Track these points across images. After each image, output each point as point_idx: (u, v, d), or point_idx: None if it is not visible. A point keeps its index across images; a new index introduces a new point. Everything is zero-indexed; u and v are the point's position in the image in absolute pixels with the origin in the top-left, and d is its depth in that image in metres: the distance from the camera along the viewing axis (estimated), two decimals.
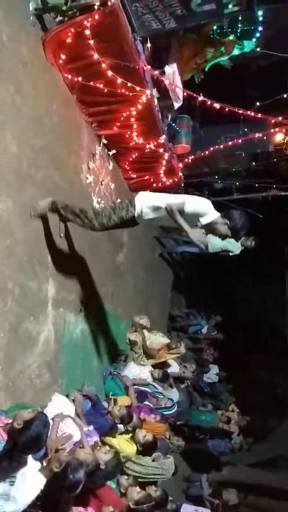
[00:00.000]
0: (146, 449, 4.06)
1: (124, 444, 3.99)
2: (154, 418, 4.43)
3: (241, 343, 9.89)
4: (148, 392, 4.88)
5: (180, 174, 6.17)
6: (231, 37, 4.75)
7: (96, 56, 3.72)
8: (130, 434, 4.11)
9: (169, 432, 5.52)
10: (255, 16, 4.65)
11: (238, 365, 9.41)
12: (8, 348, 2.97)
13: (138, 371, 4.93)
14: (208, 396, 7.97)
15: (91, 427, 3.53)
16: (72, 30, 3.60)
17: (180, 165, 6.00)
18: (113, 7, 3.43)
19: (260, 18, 4.79)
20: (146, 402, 4.71)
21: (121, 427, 4.04)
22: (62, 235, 3.88)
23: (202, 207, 3.26)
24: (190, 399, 7.33)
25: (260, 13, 4.55)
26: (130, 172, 5.90)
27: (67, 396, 3.65)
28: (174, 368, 5.97)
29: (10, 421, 2.37)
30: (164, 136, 5.07)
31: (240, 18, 4.66)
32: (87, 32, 3.56)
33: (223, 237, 3.38)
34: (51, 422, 3.05)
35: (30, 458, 2.41)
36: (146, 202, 3.35)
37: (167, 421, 5.26)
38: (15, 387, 3.07)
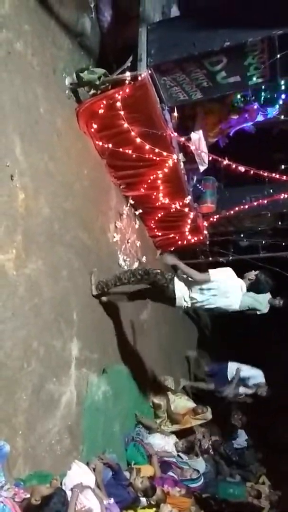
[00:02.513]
0: None
1: None
2: (178, 491, 4.14)
3: (273, 407, 9.33)
4: (172, 462, 4.60)
5: (205, 232, 6.23)
6: (255, 105, 4.95)
7: (126, 125, 3.94)
8: (154, 509, 3.82)
9: (194, 506, 5.12)
10: (278, 84, 4.88)
11: (268, 431, 8.82)
12: (30, 411, 2.90)
13: (162, 443, 4.69)
14: (236, 466, 7.43)
15: (112, 500, 3.31)
16: (104, 102, 3.86)
17: (205, 223, 6.07)
18: (143, 81, 3.68)
19: (283, 87, 5.02)
20: (170, 473, 4.43)
21: (143, 500, 3.78)
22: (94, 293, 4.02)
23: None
24: (216, 469, 6.86)
25: (282, 81, 4.77)
26: (155, 230, 6.02)
27: (87, 464, 3.47)
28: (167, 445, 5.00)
29: (27, 495, 2.25)
30: (189, 197, 5.20)
31: (263, 87, 4.90)
32: (118, 104, 3.80)
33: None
34: (69, 493, 2.89)
35: None
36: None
37: (193, 493, 4.90)
38: (35, 453, 2.95)
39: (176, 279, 3.73)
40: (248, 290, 3.77)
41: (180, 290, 3.71)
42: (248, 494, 6.62)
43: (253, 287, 3.78)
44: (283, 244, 6.02)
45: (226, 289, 3.65)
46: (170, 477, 4.35)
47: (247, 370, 6.45)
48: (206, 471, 5.27)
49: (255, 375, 6.51)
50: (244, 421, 7.90)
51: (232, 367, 6.71)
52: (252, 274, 3.76)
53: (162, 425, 5.09)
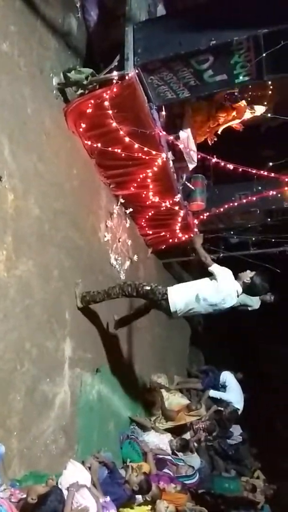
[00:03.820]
0: None
1: None
2: (174, 487, 4.17)
3: (267, 402, 9.41)
4: (167, 459, 4.62)
5: (196, 230, 6.26)
6: (242, 103, 4.99)
7: (114, 124, 3.94)
8: (149, 506, 3.85)
9: (190, 501, 5.15)
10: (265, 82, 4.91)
11: (263, 426, 8.89)
12: (24, 413, 2.90)
13: (157, 441, 4.71)
14: (231, 461, 7.49)
15: (108, 498, 3.33)
16: (92, 101, 3.85)
17: (196, 221, 6.11)
18: (131, 80, 3.67)
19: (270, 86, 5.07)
20: (166, 470, 4.45)
21: (139, 497, 3.80)
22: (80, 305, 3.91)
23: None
24: (212, 464, 6.91)
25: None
26: (146, 228, 6.03)
27: (82, 463, 3.48)
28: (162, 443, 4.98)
29: (24, 495, 2.26)
30: (179, 195, 5.22)
31: (250, 85, 4.93)
32: (106, 103, 3.80)
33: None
34: (66, 492, 2.90)
35: None
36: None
37: (188, 490, 4.93)
38: (30, 453, 2.96)
39: (169, 294, 3.61)
40: (243, 291, 3.68)
41: (174, 305, 3.61)
42: (243, 488, 6.68)
43: (249, 291, 3.70)
44: (273, 240, 6.07)
45: (224, 297, 3.56)
46: (165, 474, 4.38)
47: (221, 394, 6.66)
48: (201, 466, 5.31)
49: (231, 399, 6.65)
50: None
51: (224, 377, 6.81)
52: (247, 276, 3.62)
53: (156, 422, 5.12)
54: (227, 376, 6.84)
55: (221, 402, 6.57)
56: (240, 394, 6.84)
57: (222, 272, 3.56)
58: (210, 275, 3.63)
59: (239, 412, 6.67)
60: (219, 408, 6.42)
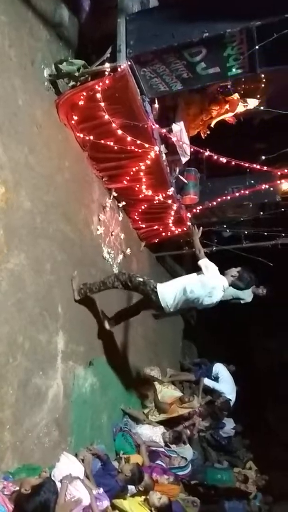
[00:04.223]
0: None
1: (136, 508, 3.76)
2: (167, 478, 4.21)
3: (258, 394, 9.51)
4: (160, 451, 4.66)
5: (189, 223, 6.26)
6: (235, 96, 4.98)
7: (106, 116, 3.92)
8: (143, 497, 3.89)
9: (183, 492, 5.21)
10: (258, 75, 4.90)
11: (255, 418, 8.99)
12: (17, 406, 2.91)
13: (150, 433, 4.74)
14: (224, 452, 7.57)
15: (101, 490, 3.36)
16: (84, 93, 3.82)
17: (189, 215, 6.11)
18: (123, 72, 3.65)
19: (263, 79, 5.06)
20: (159, 462, 4.49)
21: (132, 488, 3.83)
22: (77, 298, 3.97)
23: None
24: (204, 456, 6.98)
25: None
26: (139, 222, 6.02)
27: (76, 455, 3.50)
28: (155, 435, 5.01)
29: (17, 488, 2.27)
30: (172, 188, 5.20)
31: (243, 79, 4.92)
32: (98, 95, 3.77)
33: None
34: (59, 484, 2.92)
35: None
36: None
37: (181, 481, 4.99)
38: (23, 446, 2.97)
39: (158, 289, 3.75)
40: (231, 286, 3.84)
41: (163, 299, 3.74)
42: (235, 479, 6.77)
43: (236, 286, 3.85)
44: (265, 234, 6.10)
45: (210, 290, 3.71)
46: (158, 466, 4.42)
47: (214, 384, 6.73)
48: (194, 458, 5.37)
49: (223, 390, 6.73)
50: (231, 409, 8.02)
51: (216, 369, 6.87)
52: (234, 271, 3.81)
53: (149, 415, 5.15)
54: (219, 368, 6.92)
55: (213, 393, 6.64)
56: (233, 385, 6.91)
57: (209, 267, 3.72)
58: (200, 269, 3.76)
59: (231, 403, 6.73)
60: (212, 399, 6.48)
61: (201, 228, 4.10)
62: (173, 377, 6.52)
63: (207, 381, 6.64)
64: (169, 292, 3.75)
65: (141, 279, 3.83)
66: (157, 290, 3.75)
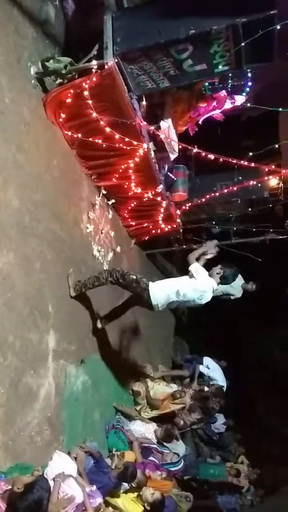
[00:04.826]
0: (155, 509, 3.84)
1: (129, 504, 3.79)
2: (160, 474, 4.24)
3: (249, 389, 9.59)
4: (153, 447, 4.68)
5: (178, 220, 6.29)
6: (222, 93, 5.00)
7: (94, 114, 3.90)
8: (136, 493, 3.91)
9: (176, 488, 5.25)
10: (244, 72, 4.94)
11: (246, 411, 9.07)
12: (8, 405, 2.90)
13: (143, 430, 4.77)
14: (216, 447, 7.63)
15: (94, 487, 3.37)
16: (72, 91, 3.80)
17: (178, 212, 6.13)
18: (110, 70, 3.64)
19: (249, 74, 5.09)
20: (151, 458, 4.52)
21: (125, 485, 3.85)
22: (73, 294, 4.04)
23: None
24: (197, 451, 7.03)
25: (248, 70, 4.84)
26: (129, 220, 6.02)
27: (68, 453, 3.51)
28: (147, 432, 5.04)
29: (9, 487, 2.27)
30: (161, 186, 5.22)
31: (230, 74, 4.95)
32: (86, 93, 3.75)
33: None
34: (52, 482, 2.92)
35: None
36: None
37: (174, 476, 5.02)
38: (15, 446, 2.96)
39: (150, 288, 3.86)
40: (221, 283, 4.09)
41: (155, 298, 3.87)
42: (228, 473, 6.83)
43: (224, 282, 4.14)
44: (254, 229, 6.14)
45: (201, 293, 3.92)
46: (151, 462, 4.44)
47: (208, 371, 6.93)
48: (186, 453, 5.40)
49: (215, 377, 6.90)
50: (223, 404, 8.08)
51: (206, 361, 7.03)
52: (217, 270, 4.03)
53: (142, 411, 5.17)
54: (209, 361, 7.09)
55: (205, 381, 6.75)
56: (222, 374, 7.09)
57: (200, 272, 3.92)
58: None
59: (224, 389, 6.83)
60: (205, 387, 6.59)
61: (217, 248, 4.30)
62: (164, 373, 6.56)
63: (202, 368, 6.82)
64: (161, 292, 3.88)
65: (134, 277, 3.91)
66: (149, 289, 3.83)
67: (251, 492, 6.94)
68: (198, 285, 3.88)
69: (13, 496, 2.20)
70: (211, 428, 7.60)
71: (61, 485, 3.01)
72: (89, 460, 3.65)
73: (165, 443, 5.00)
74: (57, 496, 2.91)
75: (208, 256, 4.17)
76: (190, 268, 3.95)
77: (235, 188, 5.47)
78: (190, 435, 7.00)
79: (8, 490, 2.28)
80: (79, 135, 4.19)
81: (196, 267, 3.93)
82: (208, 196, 5.68)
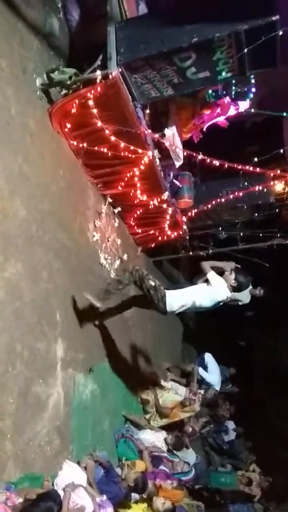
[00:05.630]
0: None
1: None
2: (170, 484, 4.19)
3: (259, 394, 9.50)
4: (163, 456, 4.64)
5: (184, 227, 6.29)
6: (226, 99, 5.01)
7: (99, 123, 3.93)
8: (146, 503, 3.87)
9: (187, 497, 5.19)
10: (248, 78, 4.95)
11: (256, 418, 8.97)
12: (17, 415, 2.90)
13: (152, 438, 4.73)
14: (226, 456, 7.55)
15: (104, 497, 3.34)
16: (77, 101, 3.84)
17: (184, 218, 6.13)
18: (114, 79, 3.67)
19: (253, 80, 5.10)
20: (162, 467, 4.47)
21: (135, 495, 3.81)
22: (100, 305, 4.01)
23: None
24: (207, 460, 6.96)
25: (252, 76, 4.85)
26: (135, 227, 6.03)
27: (78, 463, 3.50)
28: (157, 441, 5.05)
29: (20, 500, 2.26)
30: (167, 193, 5.23)
31: (233, 81, 4.96)
32: (91, 102, 3.79)
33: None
34: (62, 493, 2.91)
35: None
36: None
37: (185, 485, 4.97)
38: (25, 455, 2.96)
39: (167, 298, 3.84)
40: (234, 291, 4.05)
41: (170, 306, 3.86)
42: (239, 482, 6.74)
43: (236, 290, 4.07)
44: (261, 235, 6.12)
45: (216, 303, 3.93)
46: (161, 471, 4.40)
47: (206, 374, 6.99)
48: (197, 462, 5.35)
49: (211, 381, 6.99)
50: (232, 411, 8.01)
51: (207, 358, 7.21)
52: (231, 279, 3.97)
53: (151, 420, 5.13)
54: (209, 358, 7.23)
55: (202, 384, 6.84)
56: (219, 375, 7.21)
57: (218, 281, 3.91)
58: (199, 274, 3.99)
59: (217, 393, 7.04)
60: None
61: (234, 264, 4.21)
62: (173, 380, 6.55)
63: (201, 371, 6.86)
64: (178, 302, 3.89)
65: (153, 284, 3.85)
66: (166, 299, 3.83)
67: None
68: (214, 295, 3.90)
69: (25, 507, 2.19)
70: (222, 437, 7.54)
71: (71, 495, 2.99)
72: (99, 469, 3.63)
73: (175, 451, 4.95)
74: (67, 506, 2.89)
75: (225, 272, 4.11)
76: (208, 276, 3.92)
77: (240, 194, 5.46)
78: (201, 444, 6.93)
79: (19, 504, 2.27)
80: (85, 144, 4.22)
81: (213, 276, 3.92)
82: (214, 202, 5.67)
